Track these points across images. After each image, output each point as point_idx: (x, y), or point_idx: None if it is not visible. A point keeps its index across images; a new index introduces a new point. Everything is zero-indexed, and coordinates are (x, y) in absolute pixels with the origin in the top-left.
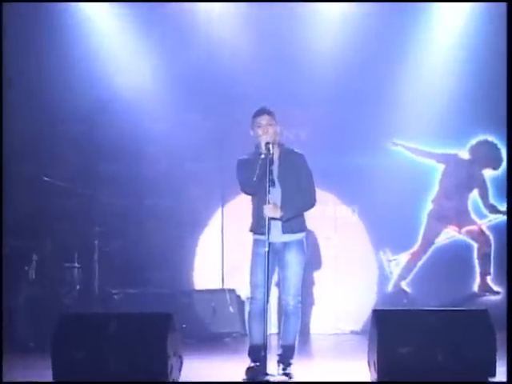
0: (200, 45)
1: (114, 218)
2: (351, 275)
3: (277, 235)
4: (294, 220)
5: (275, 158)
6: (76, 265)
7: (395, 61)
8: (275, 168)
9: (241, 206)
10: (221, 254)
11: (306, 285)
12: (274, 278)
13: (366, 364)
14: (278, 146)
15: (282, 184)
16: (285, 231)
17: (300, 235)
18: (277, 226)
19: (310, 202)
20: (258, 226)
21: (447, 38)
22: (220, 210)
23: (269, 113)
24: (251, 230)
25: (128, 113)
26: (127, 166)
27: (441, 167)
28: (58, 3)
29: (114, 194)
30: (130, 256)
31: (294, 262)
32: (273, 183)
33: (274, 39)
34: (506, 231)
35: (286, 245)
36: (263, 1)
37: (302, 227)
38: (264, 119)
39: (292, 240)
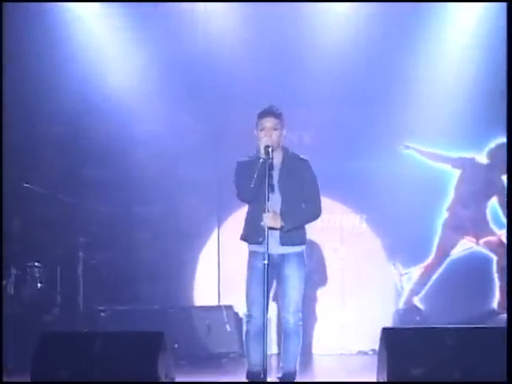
0: (193, 43)
1: (101, 228)
2: (359, 290)
3: (274, 246)
4: (294, 231)
5: (277, 162)
6: (58, 279)
7: (406, 60)
8: (275, 173)
9: (239, 214)
10: (217, 267)
11: (309, 301)
12: (273, 293)
13: None
14: (282, 150)
15: (283, 191)
16: (283, 242)
17: (300, 248)
18: (274, 237)
19: (315, 213)
20: (254, 235)
21: (462, 38)
22: (216, 218)
23: (275, 115)
24: (244, 239)
25: (116, 114)
26: (115, 170)
27: (456, 172)
28: (45, 3)
29: (100, 200)
30: (117, 269)
31: (293, 276)
32: (272, 188)
33: (274, 37)
34: (507, 232)
35: (284, 257)
36: (268, 1)
37: (303, 239)
38: (269, 121)
39: (291, 252)
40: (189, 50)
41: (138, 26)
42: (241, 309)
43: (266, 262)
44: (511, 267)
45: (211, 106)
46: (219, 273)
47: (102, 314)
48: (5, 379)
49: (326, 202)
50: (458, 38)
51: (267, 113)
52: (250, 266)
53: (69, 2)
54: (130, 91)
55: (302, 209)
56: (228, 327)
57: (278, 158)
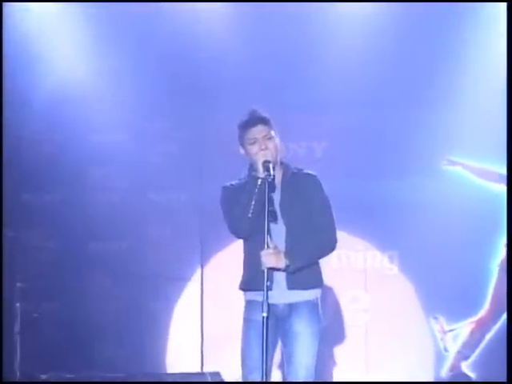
0: (170, 40)
1: (46, 270)
2: (388, 352)
3: (279, 293)
4: (304, 271)
5: (277, 182)
6: None
7: (447, 61)
8: (276, 196)
9: (228, 253)
10: (199, 322)
11: (324, 366)
12: (276, 356)
13: None
14: (281, 165)
15: (287, 219)
16: (291, 287)
17: (313, 293)
18: (279, 281)
19: (329, 243)
20: (252, 280)
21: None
22: (199, 255)
23: (264, 121)
24: (242, 288)
25: (69, 121)
26: (65, 195)
27: None
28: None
29: (45, 235)
30: (67, 325)
31: (304, 333)
32: (274, 218)
33: (273, 33)
34: (507, 232)
35: (292, 308)
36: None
37: (317, 281)
38: (259, 131)
39: (301, 301)
40: (165, 48)
41: (105, 24)
42: (232, 376)
43: (264, 314)
44: (511, 267)
45: (193, 111)
46: (202, 328)
47: None
48: None
49: (343, 234)
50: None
51: (253, 120)
52: (247, 321)
53: (30, 2)
54: (88, 96)
55: (311, 239)
56: None
57: (277, 176)
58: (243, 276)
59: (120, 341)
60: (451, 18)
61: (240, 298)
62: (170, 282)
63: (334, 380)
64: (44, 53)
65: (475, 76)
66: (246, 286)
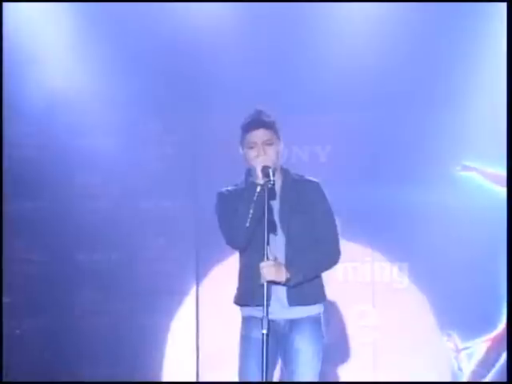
0: (162, 38)
1: (30, 284)
2: (399, 373)
3: (279, 309)
4: (306, 285)
5: (276, 189)
6: None
7: (459, 61)
8: (275, 205)
9: (227, 265)
10: (195, 339)
11: None
12: (276, 374)
13: None
14: (281, 172)
15: (287, 229)
16: (292, 302)
17: (315, 308)
18: (279, 295)
19: (331, 257)
20: (250, 295)
21: None
22: (194, 273)
23: (267, 125)
24: (238, 303)
25: (55, 125)
26: (51, 203)
27: None
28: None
29: (29, 246)
30: (54, 342)
31: (306, 351)
32: (273, 228)
33: (271, 32)
34: (507, 231)
35: (293, 324)
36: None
37: (319, 296)
38: (260, 136)
39: (303, 317)
40: (157, 46)
41: (95, 24)
42: None
43: (264, 331)
44: (511, 267)
45: (188, 112)
46: (198, 345)
47: None
48: None
49: (348, 244)
50: None
51: (254, 123)
52: (245, 338)
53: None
54: (72, 93)
55: (313, 251)
56: None
57: (276, 184)
58: (239, 289)
59: (111, 360)
60: (459, 17)
61: (234, 310)
62: (164, 297)
63: None
64: (29, 54)
65: (490, 77)
66: (242, 301)
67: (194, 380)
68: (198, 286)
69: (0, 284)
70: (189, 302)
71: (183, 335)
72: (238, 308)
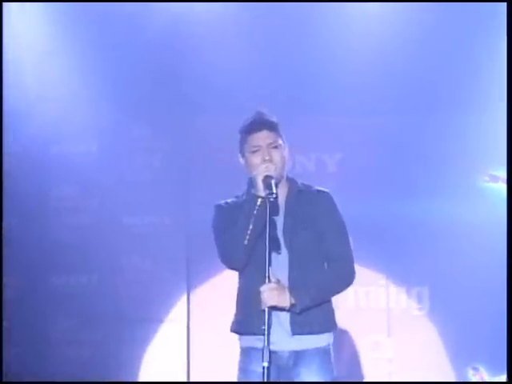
0: (151, 37)
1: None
2: None
3: (282, 339)
4: (313, 311)
5: (280, 201)
6: None
7: (480, 64)
8: (279, 220)
9: (221, 288)
10: (186, 372)
11: None
12: None
13: None
14: (287, 181)
15: (292, 247)
16: (296, 331)
17: (324, 338)
18: (282, 323)
19: (345, 278)
20: (249, 322)
21: None
22: (184, 296)
23: (271, 126)
24: (235, 331)
25: (28, 130)
26: (22, 218)
27: None
28: None
29: None
30: (26, 375)
31: None
32: (276, 246)
33: (272, 31)
34: (507, 231)
35: (298, 356)
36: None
37: (329, 324)
38: (264, 138)
39: (310, 348)
40: (144, 45)
41: (77, 24)
42: None
43: (265, 364)
44: (511, 267)
45: (178, 115)
46: (189, 379)
47: None
48: None
49: (361, 266)
50: None
51: (258, 124)
52: (244, 372)
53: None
54: (47, 94)
55: (323, 272)
56: None
57: (281, 195)
58: (236, 316)
59: None
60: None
61: (231, 339)
62: (150, 325)
63: None
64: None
65: None
66: (240, 329)
67: None
68: (188, 312)
69: None
70: (178, 330)
71: (172, 367)
72: (235, 336)
